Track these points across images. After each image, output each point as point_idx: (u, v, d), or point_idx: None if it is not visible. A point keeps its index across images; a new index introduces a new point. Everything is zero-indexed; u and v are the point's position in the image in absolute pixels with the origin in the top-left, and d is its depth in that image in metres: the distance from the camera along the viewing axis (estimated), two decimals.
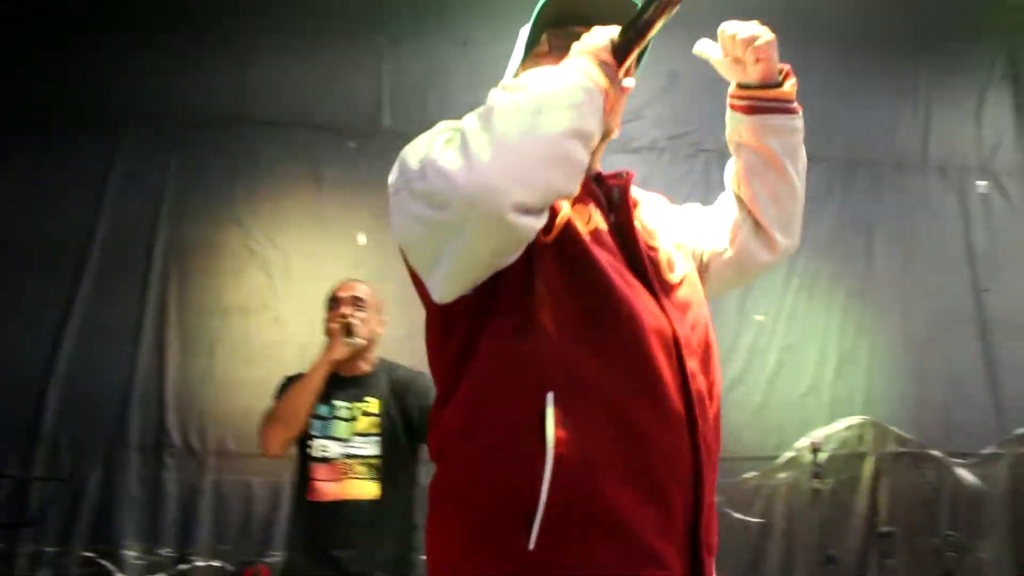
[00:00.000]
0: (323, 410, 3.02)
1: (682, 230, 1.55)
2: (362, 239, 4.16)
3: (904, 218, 4.85)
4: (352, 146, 4.26)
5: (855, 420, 4.36)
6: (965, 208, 4.98)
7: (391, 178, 1.20)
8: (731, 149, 1.53)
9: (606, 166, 4.69)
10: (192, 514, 3.86)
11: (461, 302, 1.23)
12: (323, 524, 2.91)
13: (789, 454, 4.17)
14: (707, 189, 4.56)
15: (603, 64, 1.22)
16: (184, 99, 4.26)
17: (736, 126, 1.49)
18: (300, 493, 2.99)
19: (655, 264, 1.35)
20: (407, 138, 4.16)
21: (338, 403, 3.04)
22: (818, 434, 4.20)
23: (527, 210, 1.10)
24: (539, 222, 1.14)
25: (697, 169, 4.61)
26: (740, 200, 1.55)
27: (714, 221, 1.59)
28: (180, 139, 4.22)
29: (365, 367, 3.11)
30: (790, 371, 4.38)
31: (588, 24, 1.34)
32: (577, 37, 1.31)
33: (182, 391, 3.98)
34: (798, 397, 4.34)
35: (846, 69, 5.11)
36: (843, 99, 5.00)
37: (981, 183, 5.09)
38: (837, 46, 5.14)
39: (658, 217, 1.51)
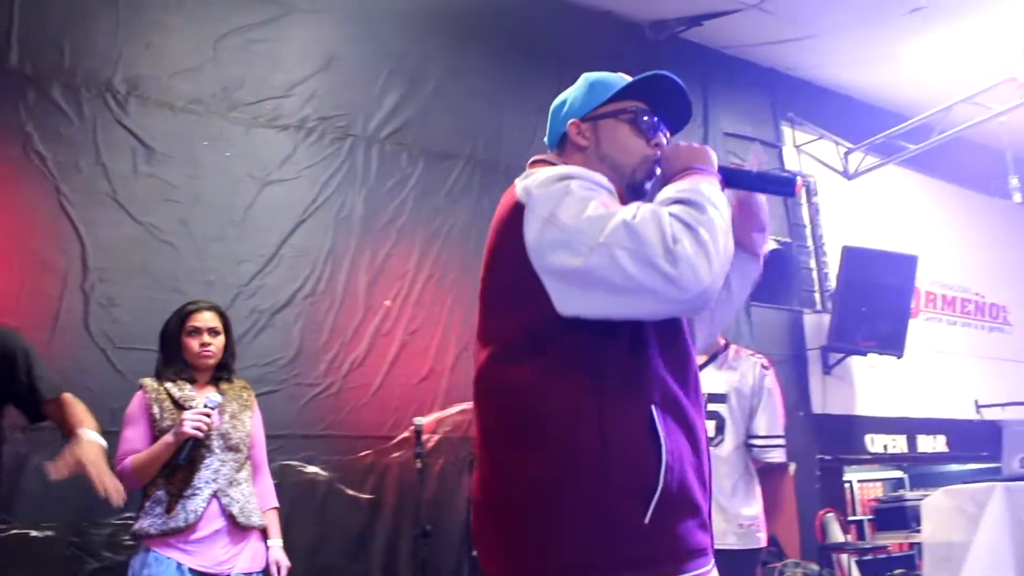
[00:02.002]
0: None
1: None
2: None
3: None
4: None
5: (469, 405, 4.63)
6: None
7: (577, 221, 1.48)
8: None
9: (252, 139, 4.65)
10: None
11: (577, 321, 1.52)
12: None
13: (403, 435, 4.37)
14: (351, 173, 4.67)
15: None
16: None
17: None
18: None
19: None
20: (36, 81, 3.80)
21: None
22: (431, 417, 4.48)
23: None
24: None
25: (343, 152, 4.68)
26: None
27: None
28: None
29: None
30: (412, 356, 4.59)
31: (663, 113, 1.78)
32: (656, 124, 1.76)
33: None
34: (417, 381, 4.57)
35: (500, 77, 5.44)
36: (493, 104, 5.33)
37: None
38: (495, 56, 5.45)
39: None
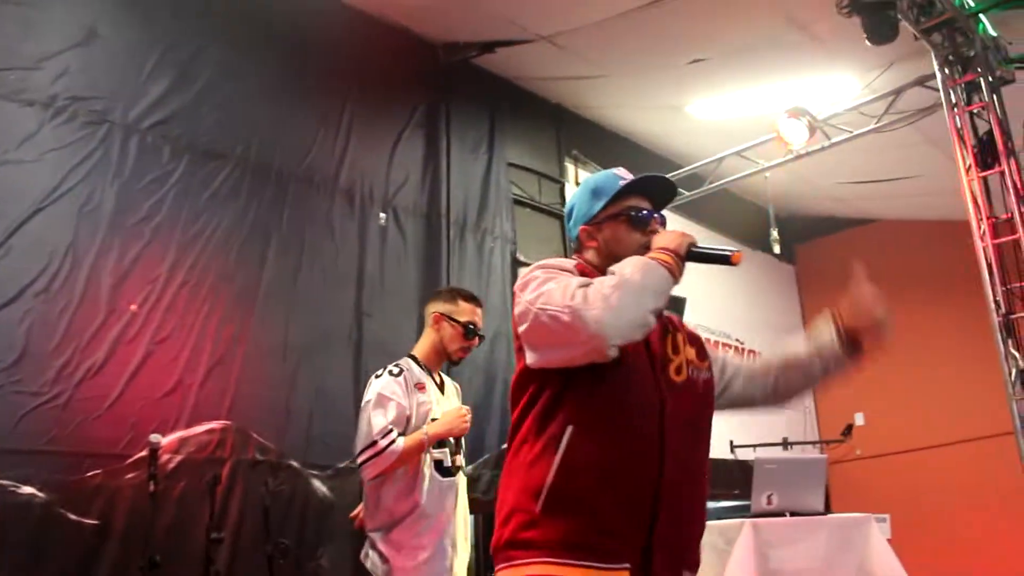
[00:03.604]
0: None
1: (713, 353, 2.29)
2: None
3: (303, 232, 4.99)
4: None
5: (218, 424, 4.29)
6: (363, 234, 5.28)
7: (529, 296, 1.91)
8: (812, 346, 2.25)
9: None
10: None
11: (540, 369, 1.97)
12: None
13: (140, 454, 3.92)
14: (103, 162, 4.24)
15: (680, 263, 1.97)
16: None
17: (834, 351, 2.22)
18: None
19: (664, 365, 2.06)
20: None
21: None
22: (174, 436, 4.09)
23: (615, 348, 1.85)
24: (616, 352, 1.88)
25: (96, 139, 4.21)
26: (771, 371, 2.31)
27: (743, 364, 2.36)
28: None
29: None
30: (157, 367, 4.14)
31: (653, 204, 2.19)
32: (647, 216, 2.15)
33: None
34: (161, 395, 4.14)
35: (283, 82, 5.17)
36: (269, 108, 5.04)
37: (382, 215, 5.44)
38: (278, 59, 5.18)
39: (693, 339, 2.21)
